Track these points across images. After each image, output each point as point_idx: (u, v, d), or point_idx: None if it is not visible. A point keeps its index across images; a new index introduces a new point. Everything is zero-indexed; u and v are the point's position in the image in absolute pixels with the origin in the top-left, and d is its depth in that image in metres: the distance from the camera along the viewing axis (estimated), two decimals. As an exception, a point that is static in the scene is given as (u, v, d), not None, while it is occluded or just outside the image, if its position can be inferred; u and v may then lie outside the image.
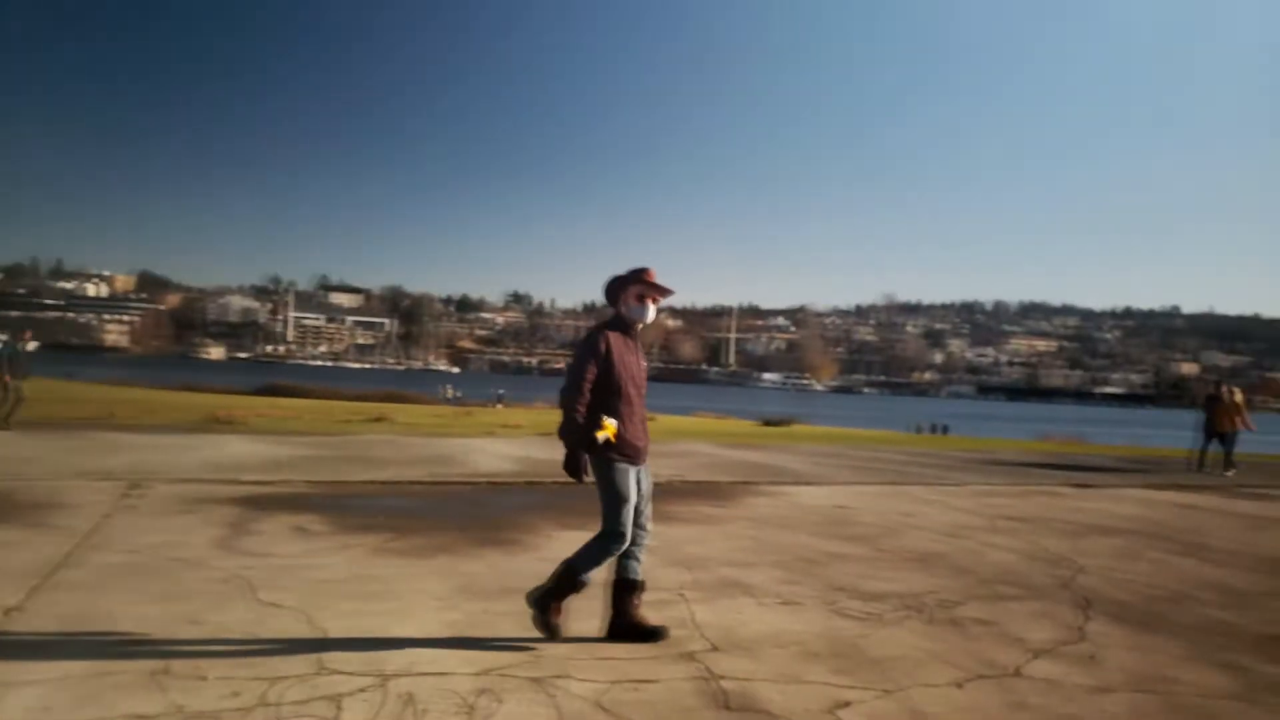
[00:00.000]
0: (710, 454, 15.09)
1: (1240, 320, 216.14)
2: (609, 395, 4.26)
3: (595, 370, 4.24)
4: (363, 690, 3.55)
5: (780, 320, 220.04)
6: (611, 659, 4.09)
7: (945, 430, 34.92)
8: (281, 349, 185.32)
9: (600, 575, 4.42)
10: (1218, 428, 16.27)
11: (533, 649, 4.17)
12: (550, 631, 4.31)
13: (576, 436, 4.19)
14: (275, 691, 3.49)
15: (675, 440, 18.14)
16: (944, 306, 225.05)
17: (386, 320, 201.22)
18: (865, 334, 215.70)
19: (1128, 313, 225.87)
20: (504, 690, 3.63)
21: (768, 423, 28.39)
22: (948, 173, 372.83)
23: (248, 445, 13.05)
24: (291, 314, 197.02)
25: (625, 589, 4.43)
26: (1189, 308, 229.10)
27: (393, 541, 6.61)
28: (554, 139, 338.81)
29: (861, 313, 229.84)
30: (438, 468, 11.15)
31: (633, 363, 4.40)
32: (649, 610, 4.74)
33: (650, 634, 4.37)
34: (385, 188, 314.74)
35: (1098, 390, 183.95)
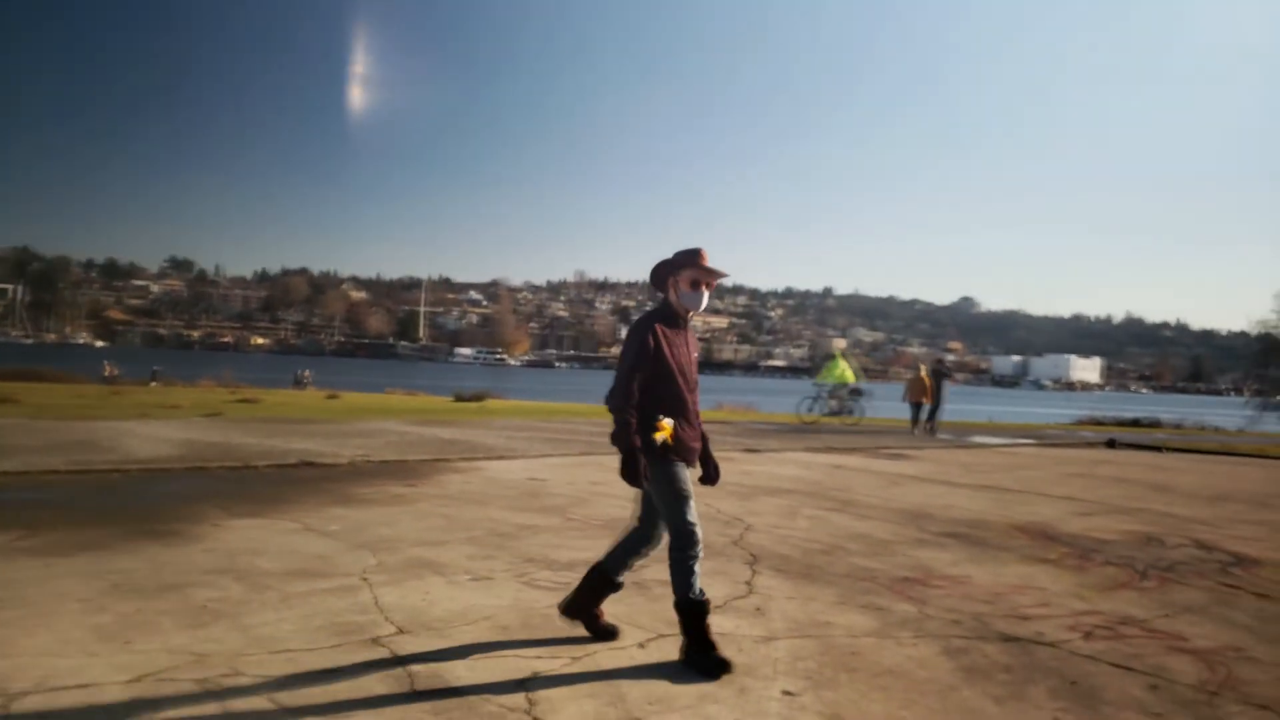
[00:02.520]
0: (400, 431, 14.65)
1: (881, 301, 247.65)
2: (661, 392, 3.89)
3: (645, 367, 3.85)
4: (-25, 719, 3.01)
5: (474, 294, 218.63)
6: (287, 651, 3.81)
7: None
8: None
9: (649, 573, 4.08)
10: (912, 398, 20.19)
11: (198, 649, 3.78)
12: (602, 633, 4.20)
13: (632, 441, 3.80)
14: None
15: (363, 419, 17.41)
16: (631, 285, 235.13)
17: (9, 286, 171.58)
18: (558, 310, 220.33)
19: (788, 292, 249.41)
20: (161, 697, 3.24)
21: (460, 398, 28.08)
22: (632, 156, 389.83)
23: None
24: None
25: (601, 585, 4.19)
26: (840, 289, 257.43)
27: (23, 540, 5.72)
28: (220, 80, 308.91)
29: (555, 289, 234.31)
30: (81, 454, 9.82)
31: (684, 355, 4.01)
32: (329, 597, 4.48)
33: (603, 633, 4.18)
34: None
35: (764, 363, 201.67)
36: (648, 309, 4.13)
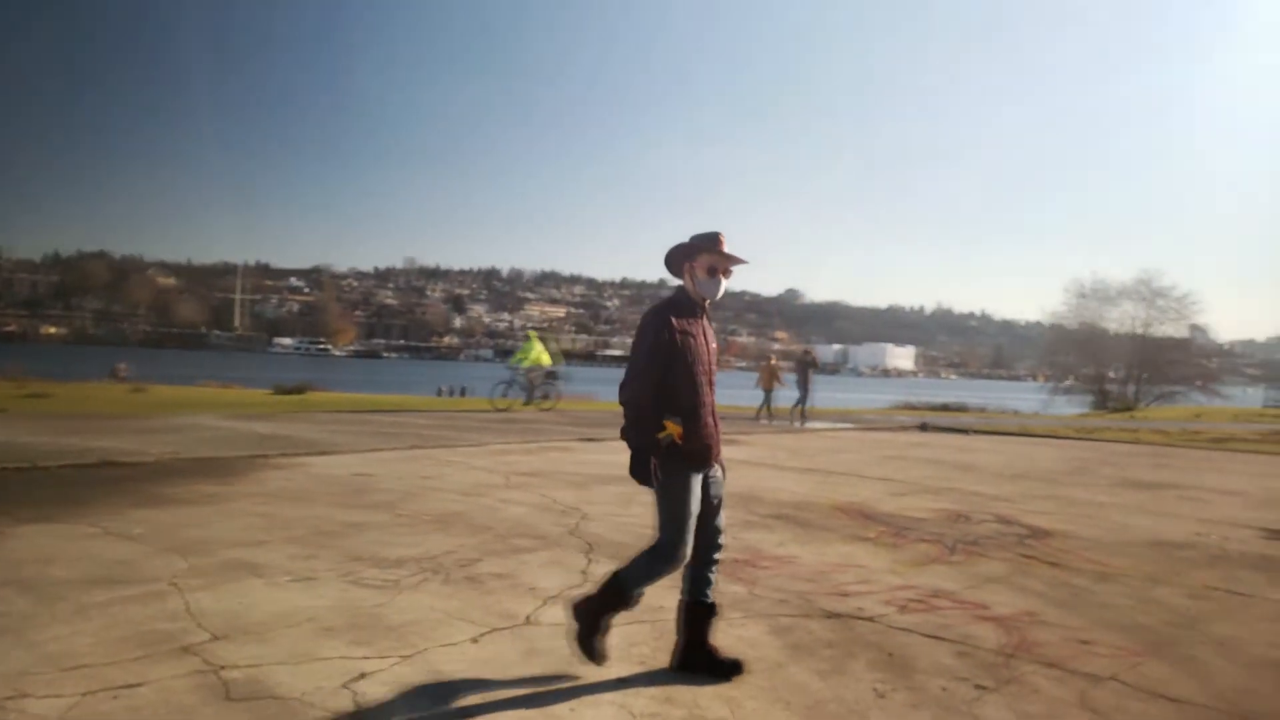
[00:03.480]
0: (214, 426, 13.79)
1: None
2: (675, 387, 3.60)
3: (660, 359, 3.57)
4: None
5: (295, 281, 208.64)
6: (84, 666, 3.49)
7: (464, 392, 35.98)
8: None
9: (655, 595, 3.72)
10: (764, 385, 21.19)
11: (-27, 673, 3.40)
12: (594, 655, 3.68)
13: (643, 437, 3.56)
14: None
15: (174, 414, 16.28)
16: (464, 272, 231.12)
17: None
18: (387, 298, 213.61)
19: (625, 283, 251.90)
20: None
21: (281, 390, 26.74)
22: (464, 141, 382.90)
23: None
24: None
25: (698, 613, 3.79)
26: (675, 280, 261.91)
27: None
28: None
29: (383, 276, 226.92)
30: None
31: (702, 347, 3.72)
32: (133, 605, 4.16)
33: (729, 668, 3.72)
34: None
35: (602, 353, 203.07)
36: (663, 296, 3.82)
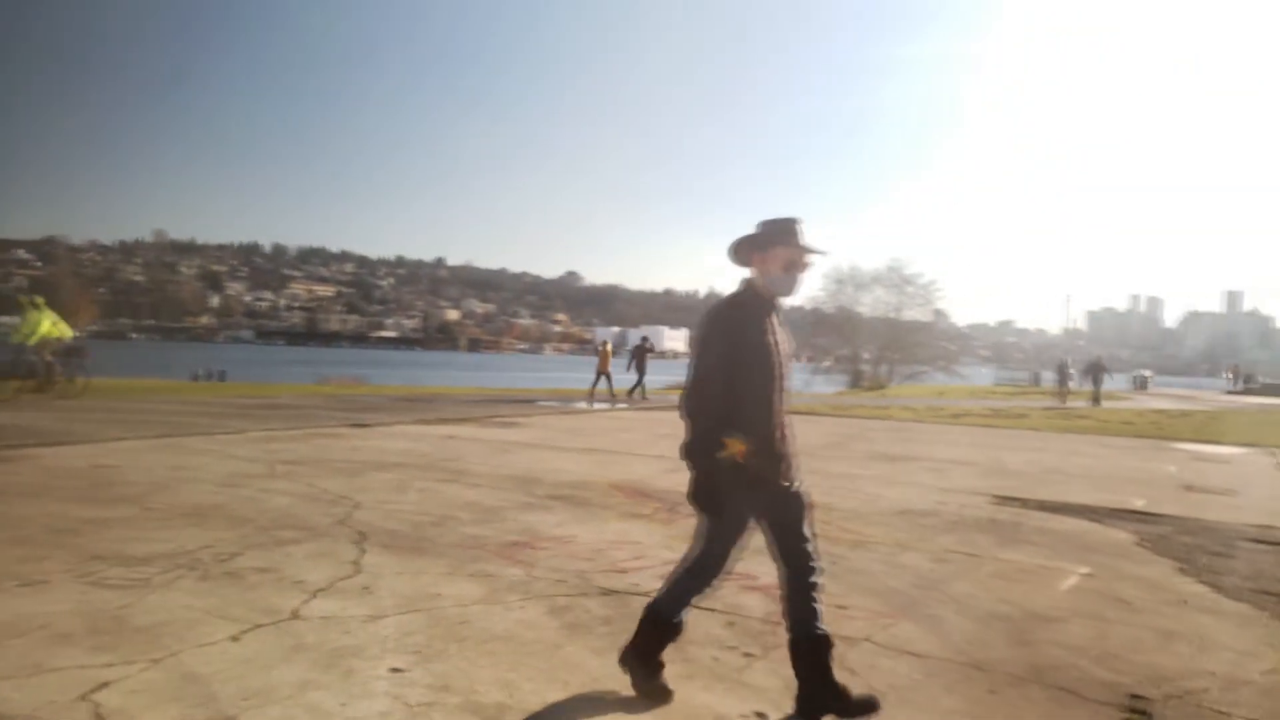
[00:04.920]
0: (-81, 415, 12.05)
1: (493, 272, 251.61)
2: (744, 397, 3.14)
3: (730, 362, 3.12)
4: None
5: (23, 254, 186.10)
6: None
7: (223, 376, 33.63)
8: None
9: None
10: (601, 369, 23.18)
11: None
12: (661, 697, 3.31)
13: (709, 455, 3.10)
14: None
15: None
16: (221, 247, 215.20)
17: None
18: (133, 274, 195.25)
19: (400, 261, 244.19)
20: None
21: (3, 375, 23.71)
22: (228, 105, 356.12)
23: None
24: None
25: (815, 648, 3.23)
26: (453, 260, 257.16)
27: None
28: None
29: (128, 250, 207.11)
30: None
31: (778, 351, 3.25)
32: None
33: (864, 706, 3.20)
34: None
35: (374, 334, 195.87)
36: (732, 292, 3.35)
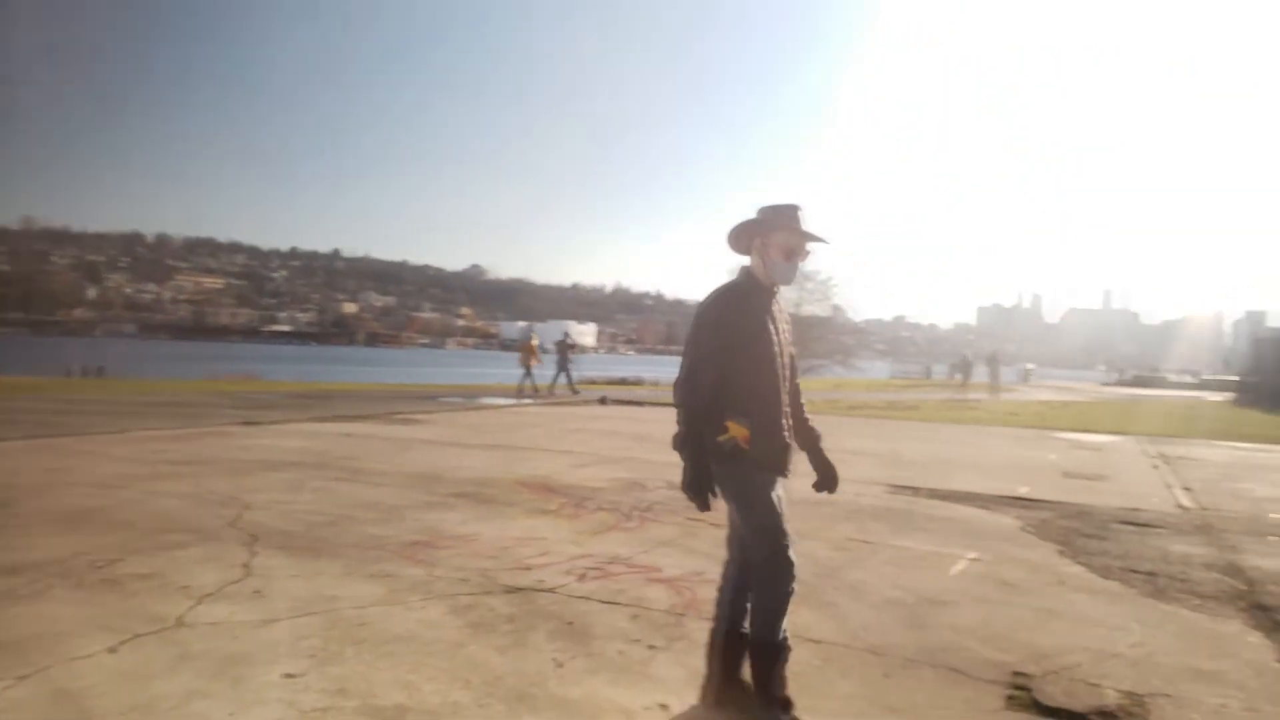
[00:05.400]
0: None
1: (393, 265, 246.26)
2: (743, 385, 3.08)
3: (726, 351, 3.05)
4: None
5: None
6: None
7: (101, 372, 32.01)
8: None
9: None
10: (525, 364, 23.41)
11: None
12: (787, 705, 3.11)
13: (699, 446, 3.04)
14: None
15: None
16: (100, 236, 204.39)
17: None
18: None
19: (294, 253, 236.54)
20: None
21: None
22: (102, 82, 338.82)
23: None
24: None
25: (736, 642, 3.25)
26: (350, 251, 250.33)
27: None
28: None
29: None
30: None
31: (776, 338, 3.17)
32: None
33: (783, 704, 3.13)
34: None
35: (268, 328, 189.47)
36: (729, 280, 3.24)
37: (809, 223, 3.19)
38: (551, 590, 4.69)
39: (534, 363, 23.69)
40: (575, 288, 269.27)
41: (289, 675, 3.36)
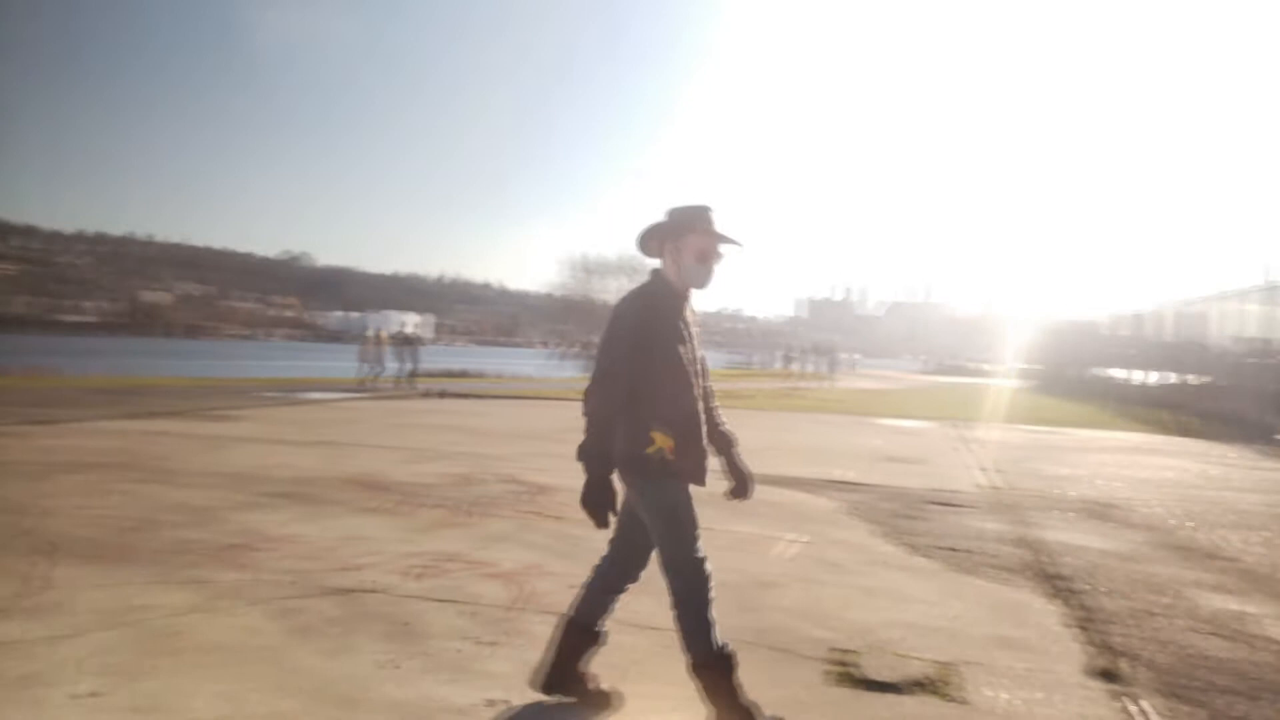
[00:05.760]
0: None
1: (212, 252, 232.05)
2: (661, 393, 2.99)
3: (637, 357, 2.95)
4: None
5: None
6: None
7: None
8: None
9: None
10: (368, 358, 23.30)
11: None
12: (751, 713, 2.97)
13: (605, 457, 2.94)
14: None
15: None
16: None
17: None
18: None
19: (101, 238, 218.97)
20: None
21: None
22: None
23: None
24: None
25: (583, 639, 3.22)
26: (164, 237, 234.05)
27: None
28: None
29: None
30: None
31: (690, 344, 3.10)
32: None
33: (600, 699, 3.22)
34: None
35: (67, 319, 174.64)
36: (640, 285, 3.14)
37: (720, 224, 3.13)
38: (381, 591, 4.56)
39: (376, 355, 23.64)
40: (408, 277, 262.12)
41: (94, 694, 3.12)
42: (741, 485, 3.37)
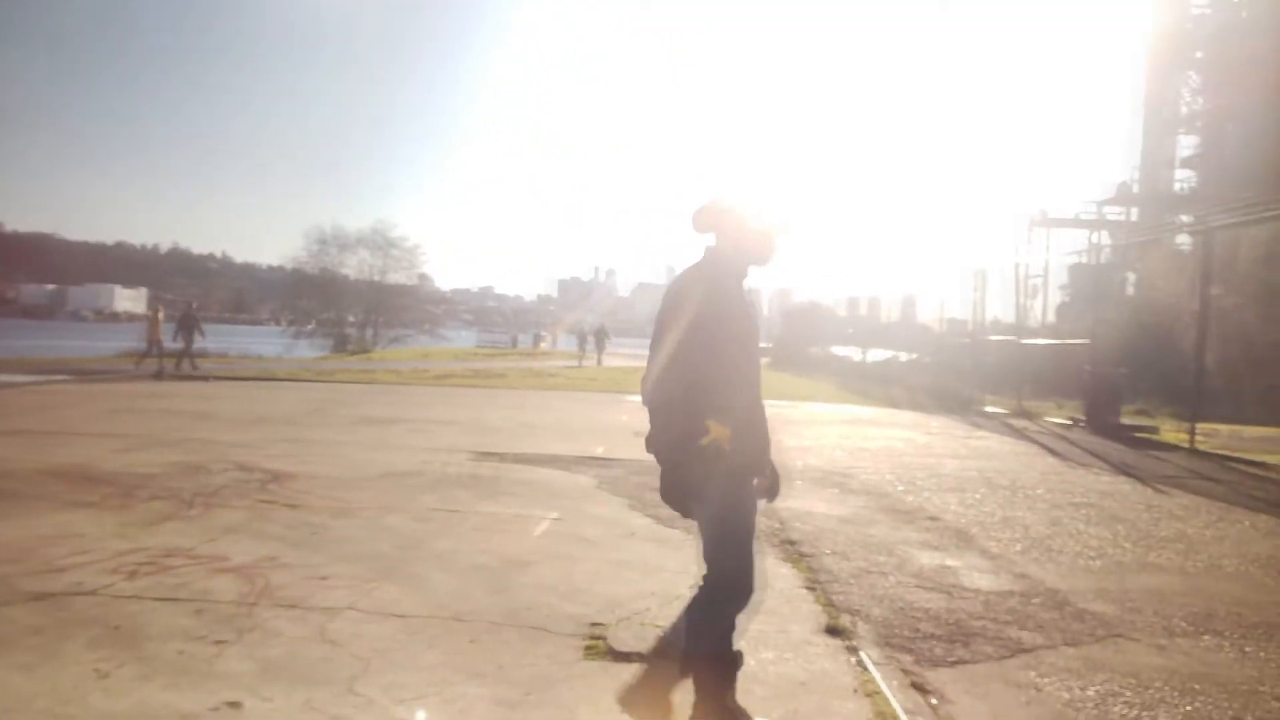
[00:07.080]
0: None
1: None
2: (720, 379, 2.68)
3: (699, 342, 2.66)
4: None
5: None
6: None
7: None
8: None
9: None
10: (151, 337, 21.19)
11: None
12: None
13: (682, 446, 2.62)
14: None
15: None
16: None
17: None
18: None
19: None
20: None
21: None
22: None
23: None
24: None
25: (724, 665, 2.89)
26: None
27: None
28: None
29: None
30: None
31: (747, 326, 2.83)
32: None
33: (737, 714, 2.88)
34: None
35: None
36: (694, 263, 2.88)
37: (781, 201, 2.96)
38: (92, 593, 4.10)
39: (156, 335, 21.03)
40: (120, 246, 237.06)
41: None
42: (771, 487, 3.09)
